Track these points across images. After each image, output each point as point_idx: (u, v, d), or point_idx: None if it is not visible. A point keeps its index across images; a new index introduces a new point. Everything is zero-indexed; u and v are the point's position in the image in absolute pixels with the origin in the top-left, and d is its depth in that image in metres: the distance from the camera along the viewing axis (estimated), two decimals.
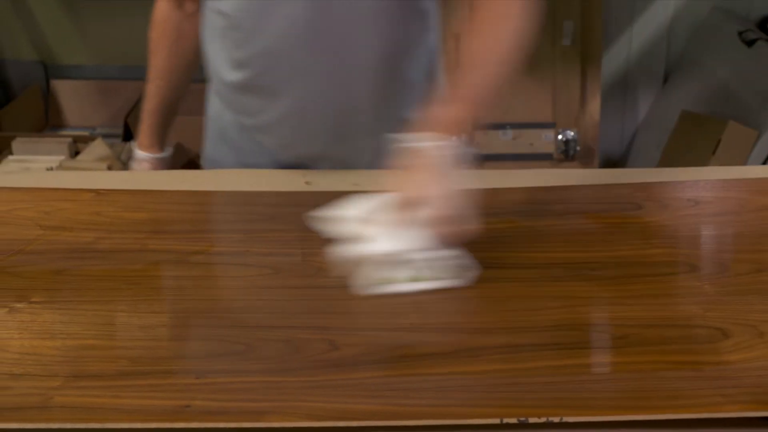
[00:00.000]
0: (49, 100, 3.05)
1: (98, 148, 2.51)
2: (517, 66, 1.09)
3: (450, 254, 0.93)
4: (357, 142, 1.25)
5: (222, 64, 1.23)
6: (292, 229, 1.07)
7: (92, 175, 1.30)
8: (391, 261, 0.92)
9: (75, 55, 3.05)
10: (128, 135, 2.78)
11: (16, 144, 2.54)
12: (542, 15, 1.12)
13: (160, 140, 1.35)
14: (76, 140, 2.61)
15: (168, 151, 1.37)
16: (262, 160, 1.28)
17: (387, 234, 0.94)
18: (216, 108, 1.32)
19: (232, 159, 1.31)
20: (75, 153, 2.58)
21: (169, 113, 1.35)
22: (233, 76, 1.22)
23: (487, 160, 2.83)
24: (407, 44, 1.21)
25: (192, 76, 1.36)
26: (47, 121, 3.04)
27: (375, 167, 1.20)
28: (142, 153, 1.34)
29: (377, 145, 1.18)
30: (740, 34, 2.65)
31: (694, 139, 2.60)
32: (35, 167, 2.39)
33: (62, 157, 2.49)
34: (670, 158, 2.68)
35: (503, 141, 2.85)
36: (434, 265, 0.93)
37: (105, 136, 2.66)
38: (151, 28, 1.31)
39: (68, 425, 0.73)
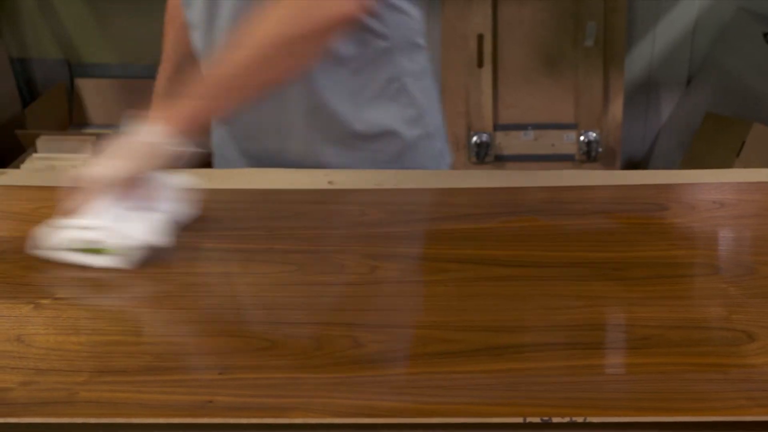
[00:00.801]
0: (73, 98, 3.07)
1: None
2: (282, 64, 1.05)
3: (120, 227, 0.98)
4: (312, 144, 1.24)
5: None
6: (315, 227, 1.07)
7: None
8: (72, 230, 0.99)
9: (99, 54, 3.08)
10: None
11: (40, 142, 2.56)
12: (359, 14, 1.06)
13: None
14: (100, 138, 2.63)
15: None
16: (233, 153, 1.31)
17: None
18: None
19: (218, 154, 1.36)
20: None
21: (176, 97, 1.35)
22: (204, 68, 1.25)
23: (508, 160, 2.83)
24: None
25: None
26: (71, 119, 3.06)
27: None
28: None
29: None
30: (765, 35, 2.63)
31: (718, 141, 2.58)
32: (59, 165, 2.41)
33: (86, 155, 2.51)
34: (693, 160, 2.67)
35: (524, 141, 2.85)
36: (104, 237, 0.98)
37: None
38: (165, 10, 1.34)
39: (93, 420, 0.74)
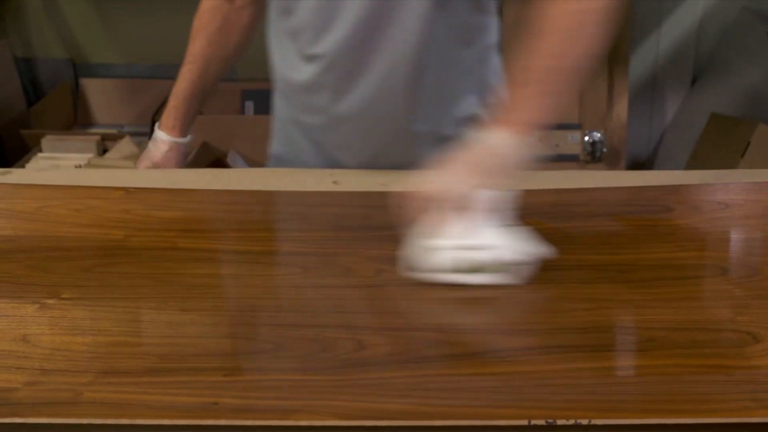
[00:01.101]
0: (78, 98, 3.08)
1: (126, 146, 2.53)
2: (589, 71, 1.06)
3: (508, 249, 0.94)
4: (414, 146, 1.24)
5: (290, 65, 1.24)
6: (320, 229, 1.07)
7: (122, 173, 1.31)
8: (454, 251, 0.93)
9: (104, 54, 3.08)
10: None
11: (45, 141, 2.57)
12: (619, 16, 1.08)
13: (182, 124, 1.35)
14: (105, 138, 2.64)
15: (188, 138, 1.36)
16: (320, 161, 1.29)
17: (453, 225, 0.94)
18: (281, 108, 1.33)
19: (294, 159, 1.33)
20: (103, 151, 2.60)
21: (196, 100, 1.35)
22: (300, 75, 1.23)
23: None
24: (462, 44, 1.21)
25: (226, 69, 1.37)
26: (76, 119, 3.07)
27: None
28: (162, 134, 1.34)
29: (435, 149, 1.19)
30: None
31: (723, 142, 2.58)
32: (64, 164, 2.41)
33: (90, 155, 2.51)
34: (698, 161, 2.66)
35: None
36: (494, 259, 0.93)
37: (133, 134, 2.68)
38: (196, 14, 1.33)
39: (98, 421, 0.74)
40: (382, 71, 1.17)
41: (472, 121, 1.21)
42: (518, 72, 1.04)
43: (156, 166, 1.33)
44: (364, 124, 1.23)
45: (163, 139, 1.34)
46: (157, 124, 1.37)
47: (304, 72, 1.22)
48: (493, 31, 1.27)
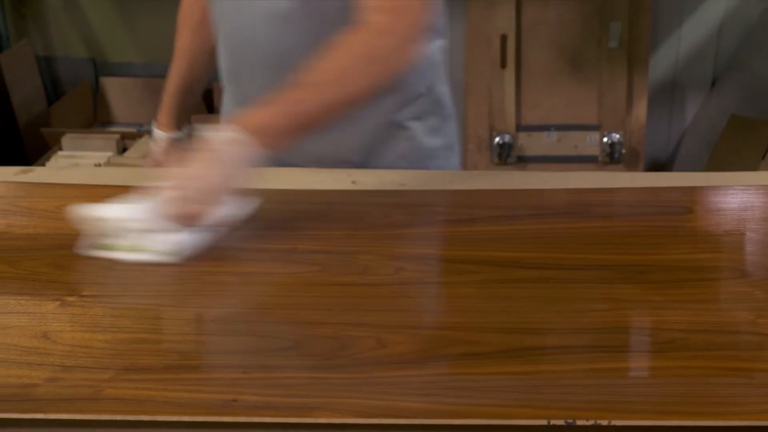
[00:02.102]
0: (98, 96, 3.09)
1: (145, 145, 2.54)
2: (369, 92, 1.05)
3: (172, 231, 0.98)
4: (330, 139, 1.24)
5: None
6: (339, 227, 1.07)
7: (141, 171, 1.31)
8: (115, 228, 0.99)
9: (124, 53, 3.10)
10: None
11: (65, 140, 2.59)
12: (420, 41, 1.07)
13: (176, 120, 1.36)
14: (124, 137, 2.65)
15: (184, 132, 1.36)
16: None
17: (124, 205, 1.00)
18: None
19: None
20: (122, 149, 2.62)
21: (188, 94, 1.36)
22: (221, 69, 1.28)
23: (530, 161, 2.82)
24: None
25: (215, 60, 1.36)
26: (96, 117, 3.09)
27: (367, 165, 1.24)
28: (158, 132, 1.36)
29: (359, 142, 1.22)
30: None
31: (743, 144, 2.56)
32: (84, 163, 2.43)
33: (110, 154, 2.53)
34: (717, 163, 2.65)
35: (547, 142, 2.84)
36: (153, 239, 0.99)
37: (152, 133, 2.69)
38: (179, 10, 1.35)
39: (118, 417, 0.74)
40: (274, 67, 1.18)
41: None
42: (296, 78, 1.03)
43: (158, 164, 1.34)
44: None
45: (160, 136, 1.35)
46: (153, 123, 1.38)
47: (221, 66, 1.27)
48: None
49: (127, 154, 2.55)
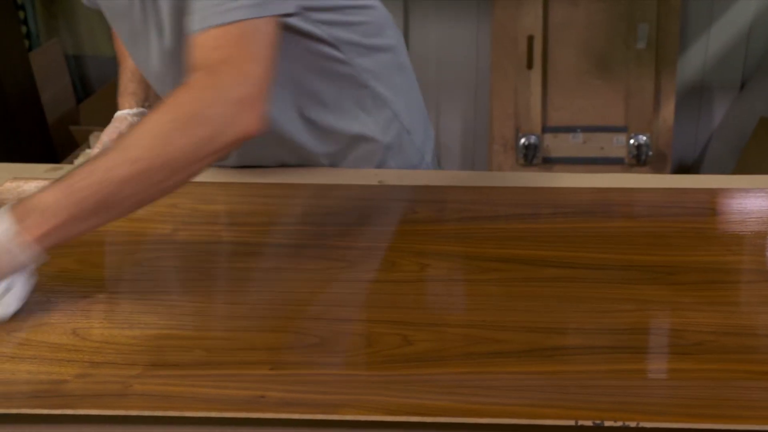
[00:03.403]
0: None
1: None
2: (191, 158, 0.89)
3: None
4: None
5: None
6: (365, 223, 1.07)
7: None
8: None
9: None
10: None
11: (93, 138, 2.60)
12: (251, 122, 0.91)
13: (135, 98, 1.32)
14: None
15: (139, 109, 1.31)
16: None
17: None
18: None
19: None
20: None
21: (143, 82, 1.31)
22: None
23: (556, 162, 2.81)
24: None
25: None
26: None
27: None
28: (119, 112, 1.32)
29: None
30: None
31: None
32: None
33: None
34: (746, 166, 2.62)
35: (573, 144, 2.82)
36: None
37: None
38: None
39: (146, 413, 0.75)
40: None
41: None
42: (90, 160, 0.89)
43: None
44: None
45: (119, 115, 1.33)
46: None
47: None
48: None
49: None
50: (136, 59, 1.21)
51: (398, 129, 1.28)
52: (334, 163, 1.25)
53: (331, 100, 1.19)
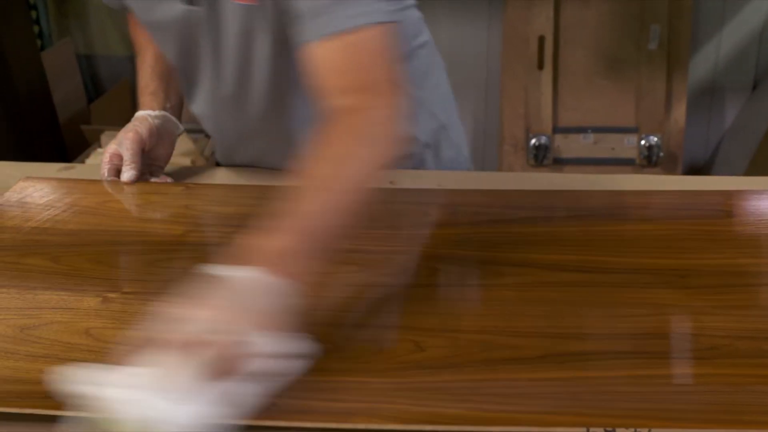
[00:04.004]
0: (137, 95, 3.12)
1: (182, 143, 2.55)
2: (368, 196, 0.89)
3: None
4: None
5: None
6: (376, 226, 1.07)
7: (180, 169, 1.32)
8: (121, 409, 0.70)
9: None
10: None
11: (104, 137, 2.61)
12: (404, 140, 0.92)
13: (156, 100, 1.28)
14: None
15: (166, 112, 1.28)
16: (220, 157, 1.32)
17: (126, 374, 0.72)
18: None
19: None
20: None
21: (163, 80, 1.29)
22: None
23: (566, 163, 2.80)
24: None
25: None
26: (134, 115, 3.11)
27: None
28: (140, 112, 1.28)
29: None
30: None
31: None
32: None
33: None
34: (758, 167, 2.61)
35: (584, 144, 2.82)
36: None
37: (189, 131, 2.70)
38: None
39: None
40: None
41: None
42: (291, 192, 0.86)
43: (138, 141, 1.23)
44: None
45: (139, 115, 1.28)
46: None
47: None
48: None
49: None
50: (185, 68, 1.20)
51: (436, 126, 1.28)
52: None
53: None
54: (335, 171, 0.88)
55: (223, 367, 0.71)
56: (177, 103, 1.31)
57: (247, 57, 1.10)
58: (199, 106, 1.23)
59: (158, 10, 1.11)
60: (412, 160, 1.26)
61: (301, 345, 0.77)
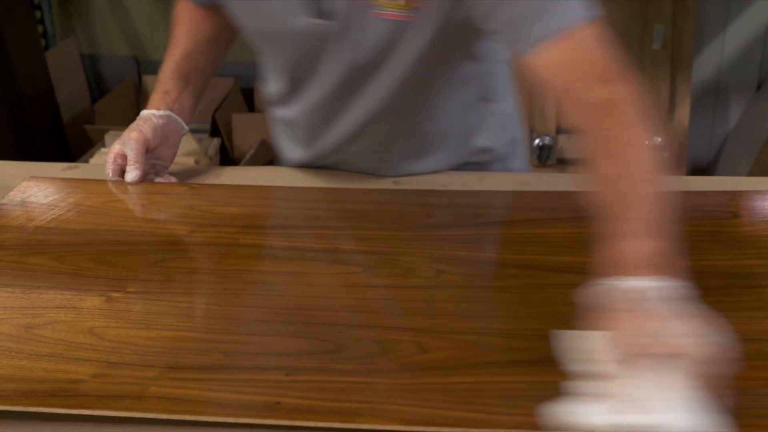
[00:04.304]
0: (140, 94, 3.12)
1: (186, 143, 2.54)
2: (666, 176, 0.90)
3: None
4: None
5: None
6: (381, 227, 1.07)
7: (184, 169, 1.32)
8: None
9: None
10: (216, 130, 2.83)
11: (108, 137, 2.61)
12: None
13: (160, 100, 1.27)
14: None
15: (168, 113, 1.26)
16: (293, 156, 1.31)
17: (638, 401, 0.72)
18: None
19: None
20: None
21: (182, 81, 1.27)
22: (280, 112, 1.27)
23: (570, 163, 2.80)
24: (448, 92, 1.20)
25: (217, 52, 1.31)
26: (138, 114, 3.11)
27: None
28: (145, 111, 1.26)
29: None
30: None
31: None
32: None
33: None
34: (762, 168, 2.60)
35: None
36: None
37: (193, 131, 2.71)
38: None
39: (163, 416, 0.75)
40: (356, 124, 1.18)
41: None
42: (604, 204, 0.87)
43: (142, 141, 1.22)
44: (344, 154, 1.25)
45: (142, 115, 1.26)
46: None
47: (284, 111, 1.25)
48: (485, 79, 1.24)
49: None
50: (295, 77, 1.19)
51: (509, 139, 1.32)
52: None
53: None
54: (636, 161, 0.89)
55: (707, 372, 0.72)
56: (191, 104, 1.30)
57: (379, 68, 1.10)
58: (295, 110, 1.23)
59: (277, 21, 1.09)
60: (488, 171, 1.29)
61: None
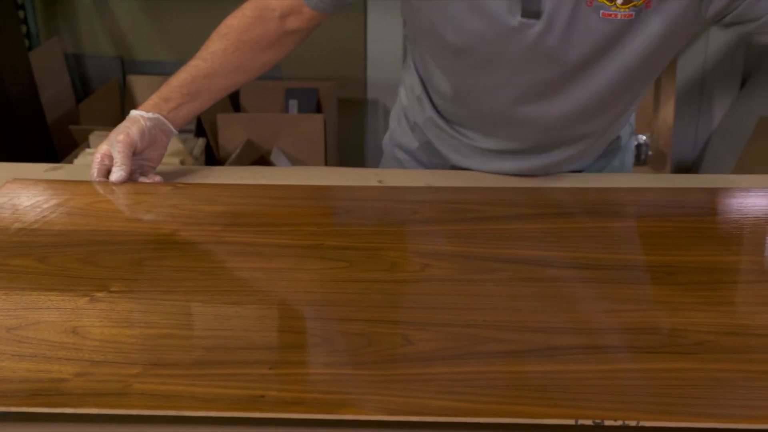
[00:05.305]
0: (125, 94, 3.12)
1: (172, 143, 2.53)
2: None
3: None
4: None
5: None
6: (365, 223, 1.07)
7: (169, 169, 1.32)
8: None
9: (151, 51, 3.12)
10: (201, 131, 2.83)
11: (93, 137, 2.60)
12: None
13: (156, 105, 1.26)
14: None
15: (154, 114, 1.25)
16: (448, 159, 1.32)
17: None
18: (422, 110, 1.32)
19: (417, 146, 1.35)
20: None
21: (188, 96, 1.26)
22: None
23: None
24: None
25: (233, 85, 1.29)
26: (123, 115, 3.10)
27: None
28: (134, 111, 1.25)
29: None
30: None
31: None
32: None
33: None
34: (745, 166, 2.62)
35: None
36: None
37: (179, 131, 2.71)
38: (234, 14, 1.25)
39: (146, 412, 0.75)
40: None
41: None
42: None
43: (128, 143, 1.22)
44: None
45: (133, 115, 1.25)
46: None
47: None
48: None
49: None
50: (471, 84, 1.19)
51: (629, 132, 1.34)
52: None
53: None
54: None
55: None
56: (187, 118, 1.28)
57: (586, 68, 1.10)
58: (464, 111, 1.23)
59: (492, 21, 1.08)
60: (614, 158, 1.31)
61: None
